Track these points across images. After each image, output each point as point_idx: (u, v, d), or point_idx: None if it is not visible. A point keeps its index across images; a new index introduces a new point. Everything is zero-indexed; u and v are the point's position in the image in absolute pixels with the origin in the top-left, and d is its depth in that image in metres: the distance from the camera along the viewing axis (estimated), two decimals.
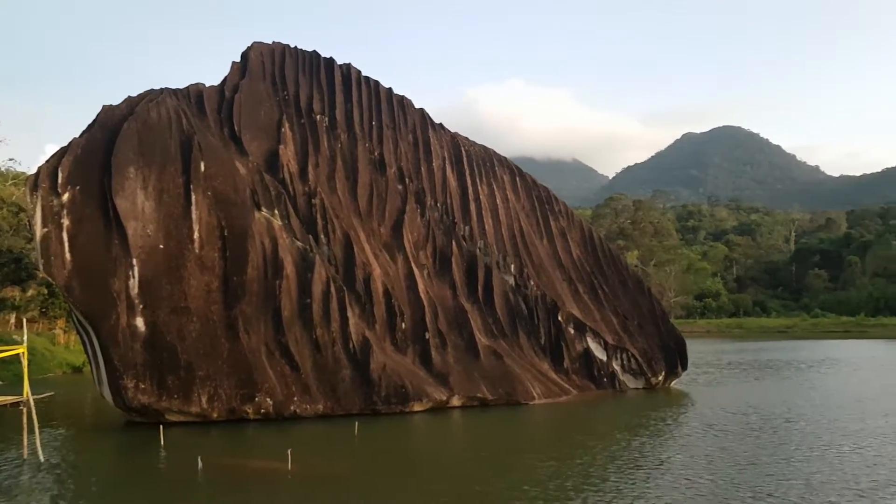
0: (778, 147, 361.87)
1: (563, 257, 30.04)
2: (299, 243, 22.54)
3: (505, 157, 31.65)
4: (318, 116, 25.87)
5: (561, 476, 13.77)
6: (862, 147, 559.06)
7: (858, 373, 34.58)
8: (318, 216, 23.42)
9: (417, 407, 21.64)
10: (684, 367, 29.83)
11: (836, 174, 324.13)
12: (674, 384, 29.43)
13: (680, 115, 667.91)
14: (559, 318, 26.98)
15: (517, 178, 31.05)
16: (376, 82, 27.59)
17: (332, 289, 21.90)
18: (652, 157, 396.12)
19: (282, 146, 24.33)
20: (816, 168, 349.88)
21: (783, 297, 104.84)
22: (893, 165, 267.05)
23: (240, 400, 19.96)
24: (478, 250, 26.92)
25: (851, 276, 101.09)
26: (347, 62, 27.63)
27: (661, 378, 28.70)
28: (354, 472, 14.76)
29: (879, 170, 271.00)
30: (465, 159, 28.66)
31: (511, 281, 27.15)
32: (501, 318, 25.90)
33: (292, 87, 26.08)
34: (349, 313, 21.78)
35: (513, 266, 27.51)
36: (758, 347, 55.60)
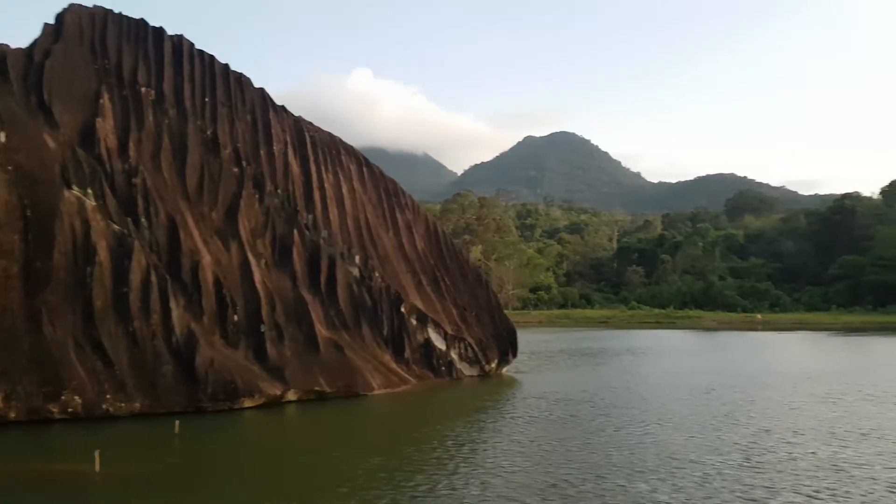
0: (606, 154, 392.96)
1: (408, 250, 30.13)
2: (116, 227, 20.51)
3: (352, 147, 31.08)
4: (143, 89, 23.74)
5: (380, 470, 13.58)
6: (678, 157, 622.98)
7: (664, 360, 37.89)
8: (140, 197, 21.47)
9: (249, 403, 20.55)
10: (514, 355, 31.50)
11: (654, 181, 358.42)
12: (505, 371, 30.85)
13: (522, 118, 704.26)
14: (402, 310, 27.03)
15: (364, 169, 30.64)
16: (211, 57, 25.82)
17: (154, 277, 20.18)
18: (496, 156, 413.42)
19: (99, 119, 22.03)
20: (638, 174, 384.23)
21: (605, 290, 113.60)
22: (704, 174, 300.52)
23: (43, 398, 17.80)
24: (321, 240, 26.17)
25: (664, 272, 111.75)
26: (179, 33, 25.65)
27: (493, 365, 29.95)
28: (169, 473, 13.70)
29: (692, 178, 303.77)
30: (309, 145, 27.71)
31: (355, 272, 26.73)
32: (344, 310, 25.42)
33: (114, 56, 23.73)
34: (172, 304, 20.18)
35: (358, 257, 27.09)
36: (581, 336, 59.69)
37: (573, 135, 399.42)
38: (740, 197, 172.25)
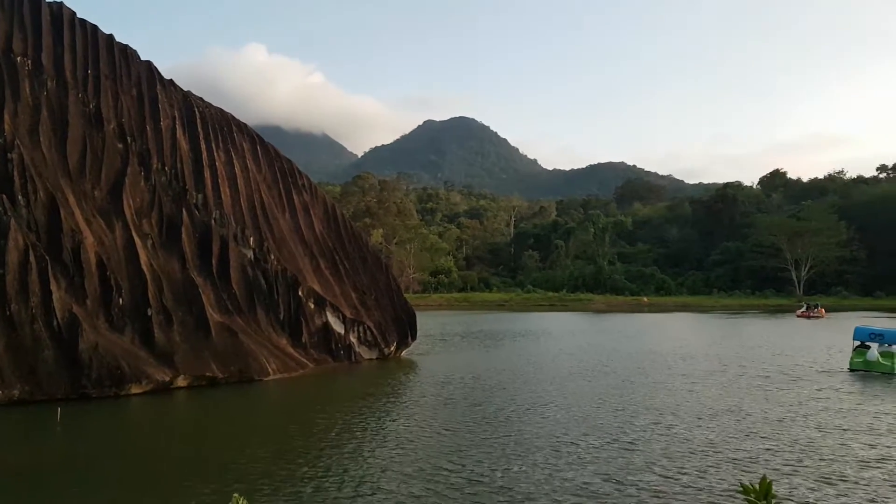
0: (505, 140, 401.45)
1: (306, 232, 29.76)
2: None
3: (245, 124, 30.21)
4: (18, 58, 22.05)
5: (259, 459, 13.35)
6: (572, 145, 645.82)
7: (554, 342, 39.30)
8: (16, 173, 20.03)
9: (136, 389, 19.80)
10: (413, 338, 32.00)
11: (550, 168, 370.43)
12: (404, 354, 31.26)
13: (423, 102, 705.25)
14: (300, 293, 26.74)
15: (258, 148, 29.87)
16: (94, 27, 24.31)
17: (32, 258, 18.96)
18: (397, 139, 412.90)
19: None
20: (535, 161, 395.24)
21: (503, 274, 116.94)
22: (596, 163, 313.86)
23: None
24: (213, 221, 25.38)
25: (558, 257, 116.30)
26: (59, 0, 23.95)
27: (393, 348, 30.25)
28: (43, 465, 13.06)
29: (584, 166, 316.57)
30: (199, 121, 26.70)
31: (250, 254, 26.15)
32: (238, 293, 24.85)
33: None
34: (53, 287, 19.06)
35: (252, 239, 26.50)
36: (479, 319, 61.21)
37: (473, 120, 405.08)
38: (629, 185, 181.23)
